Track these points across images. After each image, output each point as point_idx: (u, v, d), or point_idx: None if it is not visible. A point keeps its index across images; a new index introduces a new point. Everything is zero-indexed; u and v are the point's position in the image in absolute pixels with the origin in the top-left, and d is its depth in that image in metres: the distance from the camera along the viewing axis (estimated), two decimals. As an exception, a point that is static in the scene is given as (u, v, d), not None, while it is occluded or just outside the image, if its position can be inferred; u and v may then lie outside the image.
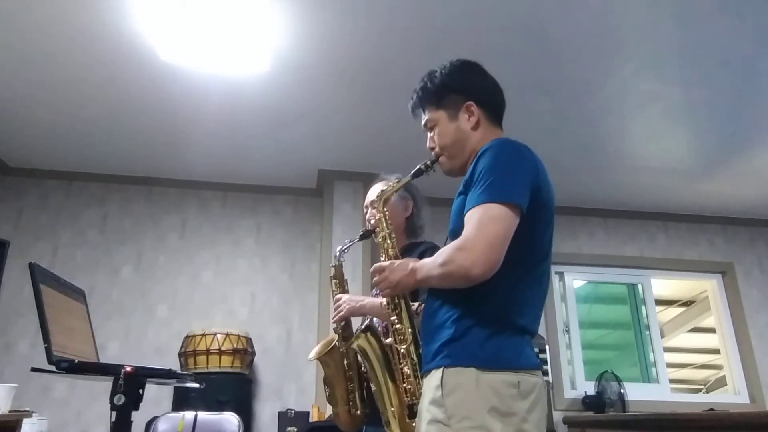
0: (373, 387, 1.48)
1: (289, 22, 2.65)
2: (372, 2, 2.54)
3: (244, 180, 4.37)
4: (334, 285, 1.98)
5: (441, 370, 1.19)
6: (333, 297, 1.94)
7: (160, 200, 4.29)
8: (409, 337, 1.37)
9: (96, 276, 3.99)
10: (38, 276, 1.64)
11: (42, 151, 3.95)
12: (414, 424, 1.32)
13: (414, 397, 1.33)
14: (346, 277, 2.01)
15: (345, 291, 1.97)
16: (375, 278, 1.38)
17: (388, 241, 1.51)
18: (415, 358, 1.36)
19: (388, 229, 1.53)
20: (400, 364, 1.37)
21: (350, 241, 1.95)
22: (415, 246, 1.90)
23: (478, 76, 1.47)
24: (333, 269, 1.98)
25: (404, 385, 1.36)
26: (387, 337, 1.43)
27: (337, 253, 1.96)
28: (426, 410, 1.20)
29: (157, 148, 3.90)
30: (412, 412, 1.33)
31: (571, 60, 2.93)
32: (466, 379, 1.16)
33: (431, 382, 1.21)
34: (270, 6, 2.55)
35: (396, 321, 1.39)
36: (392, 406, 1.42)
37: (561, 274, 4.71)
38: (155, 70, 3.00)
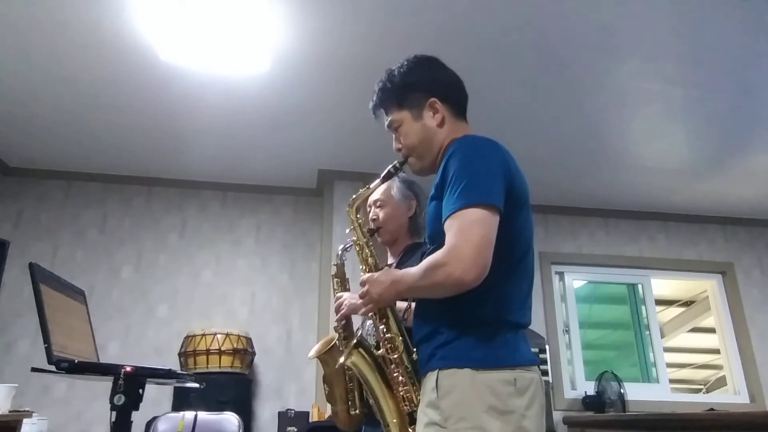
0: (370, 400, 1.45)
1: (289, 22, 2.65)
2: (372, 2, 2.54)
3: (244, 180, 4.37)
4: (335, 284, 1.97)
5: (436, 372, 1.19)
6: (334, 296, 1.94)
7: (160, 200, 4.29)
8: (401, 345, 1.36)
9: (96, 276, 3.99)
10: (38, 276, 1.64)
11: (42, 151, 3.95)
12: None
13: (413, 404, 1.32)
14: (347, 276, 2.01)
15: (346, 290, 1.96)
16: (360, 293, 1.36)
17: (366, 251, 1.47)
18: (408, 366, 1.35)
19: (364, 237, 1.49)
20: (395, 372, 1.36)
21: (352, 240, 1.95)
22: (418, 246, 1.89)
23: (438, 71, 1.43)
24: (335, 268, 1.98)
25: (401, 393, 1.34)
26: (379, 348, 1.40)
27: (339, 252, 1.96)
28: (422, 413, 1.20)
29: (157, 148, 3.90)
30: (412, 419, 1.32)
31: (569, 60, 2.93)
32: (461, 380, 1.15)
33: (427, 385, 1.21)
34: (270, 6, 2.55)
35: (385, 330, 1.37)
36: (392, 416, 1.40)
37: (561, 274, 4.70)
38: (155, 70, 3.00)
